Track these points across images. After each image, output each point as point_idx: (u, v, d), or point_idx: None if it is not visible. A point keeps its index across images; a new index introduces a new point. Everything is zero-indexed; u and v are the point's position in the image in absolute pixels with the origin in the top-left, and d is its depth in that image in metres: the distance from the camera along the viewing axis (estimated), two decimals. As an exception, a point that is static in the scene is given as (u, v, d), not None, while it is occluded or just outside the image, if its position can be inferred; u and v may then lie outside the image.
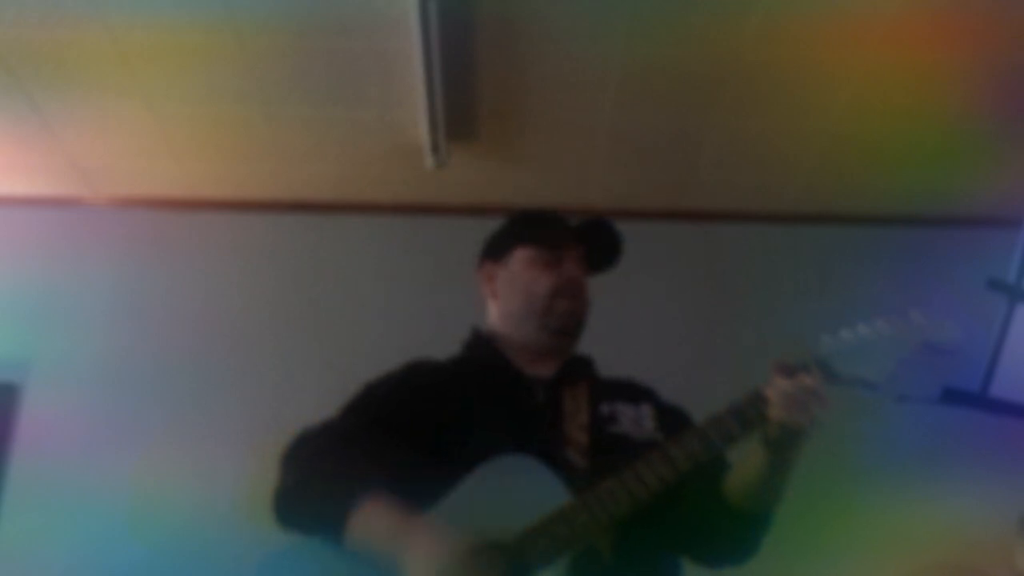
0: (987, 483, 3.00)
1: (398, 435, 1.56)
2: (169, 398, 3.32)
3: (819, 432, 1.41)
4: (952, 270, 3.06)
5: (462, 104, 3.11)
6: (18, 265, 3.51)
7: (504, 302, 1.77)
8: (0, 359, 3.39)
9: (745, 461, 1.51)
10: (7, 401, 3.34)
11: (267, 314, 3.48)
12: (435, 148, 3.22)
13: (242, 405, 3.25)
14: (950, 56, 2.84)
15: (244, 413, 3.23)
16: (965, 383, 2.00)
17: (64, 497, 3.12)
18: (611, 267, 1.83)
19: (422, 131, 3.16)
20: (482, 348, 1.76)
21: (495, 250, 1.83)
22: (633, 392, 1.72)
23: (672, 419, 1.67)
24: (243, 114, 3.19)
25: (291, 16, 2.77)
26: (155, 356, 3.41)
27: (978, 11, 2.69)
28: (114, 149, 3.39)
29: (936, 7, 2.68)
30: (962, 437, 2.97)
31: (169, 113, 3.18)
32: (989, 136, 3.17)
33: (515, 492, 1.43)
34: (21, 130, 3.24)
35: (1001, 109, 3.04)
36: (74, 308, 3.48)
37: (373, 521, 1.42)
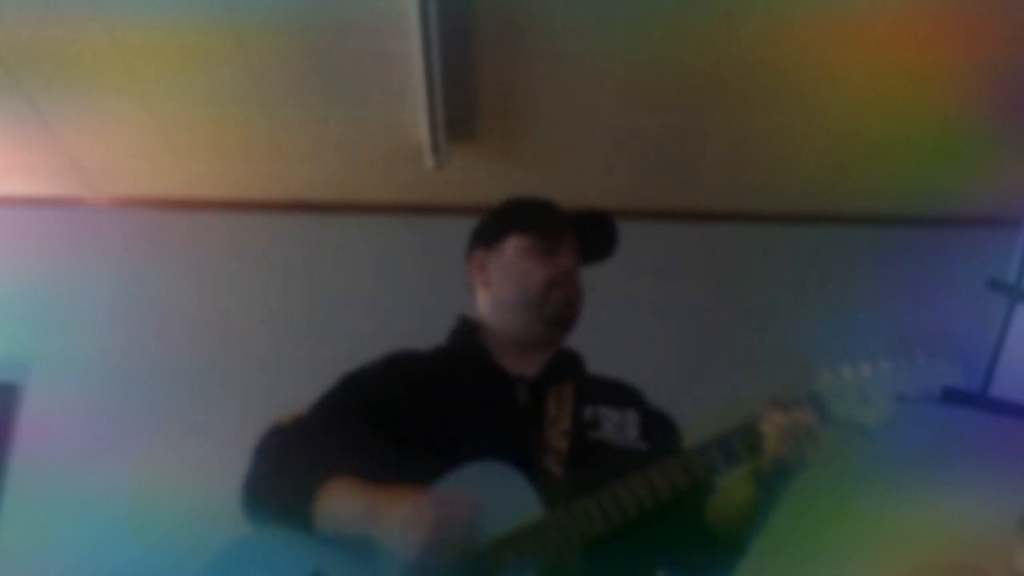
0: (987, 483, 2.99)
1: (372, 427, 1.53)
2: (169, 398, 3.32)
3: (806, 470, 1.39)
4: (952, 270, 3.06)
5: (462, 104, 3.11)
6: (18, 265, 3.51)
7: (496, 290, 1.72)
8: (0, 359, 3.39)
9: (732, 489, 1.48)
10: (7, 401, 3.34)
11: (267, 314, 3.48)
12: (435, 148, 3.22)
13: (242, 405, 3.23)
14: (950, 56, 2.84)
15: (244, 413, 3.20)
16: (965, 383, 2.00)
17: (64, 497, 3.12)
18: (605, 259, 1.80)
19: (422, 131, 3.16)
20: (466, 338, 1.73)
21: (487, 237, 1.77)
22: (620, 396, 1.69)
23: (657, 426, 1.65)
24: (243, 114, 3.19)
25: (291, 16, 2.77)
26: (155, 356, 3.41)
27: (978, 11, 2.68)
28: (114, 149, 3.39)
29: (936, 7, 2.68)
30: (962, 437, 2.96)
31: (169, 113, 3.18)
32: (989, 136, 3.16)
33: (489, 501, 1.37)
34: (21, 130, 3.24)
35: (1001, 109, 3.04)
36: (74, 308, 3.48)
37: (341, 497, 1.39)
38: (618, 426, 1.61)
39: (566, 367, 1.70)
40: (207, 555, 1.48)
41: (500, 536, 1.37)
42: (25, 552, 3.09)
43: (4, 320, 3.43)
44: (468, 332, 1.74)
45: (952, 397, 1.97)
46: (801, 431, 1.37)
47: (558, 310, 1.68)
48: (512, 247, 1.72)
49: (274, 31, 2.83)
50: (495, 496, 1.40)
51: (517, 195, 1.84)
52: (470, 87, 3.07)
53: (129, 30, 2.81)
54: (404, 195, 3.62)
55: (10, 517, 3.19)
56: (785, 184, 3.54)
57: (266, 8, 2.74)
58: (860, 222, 3.67)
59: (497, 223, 1.78)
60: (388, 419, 1.55)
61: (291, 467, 1.48)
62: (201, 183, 3.57)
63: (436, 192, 3.58)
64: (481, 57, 2.95)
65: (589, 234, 1.77)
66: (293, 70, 2.99)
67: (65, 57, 2.91)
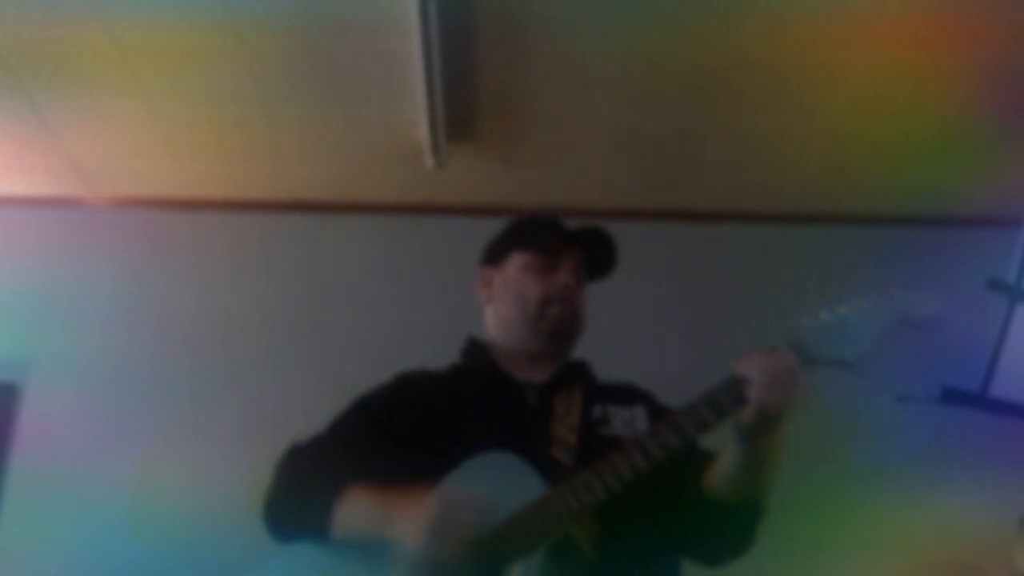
0: (987, 483, 2.99)
1: (385, 440, 1.59)
2: (168, 398, 3.32)
3: (796, 417, 1.40)
4: (952, 270, 3.04)
5: (462, 104, 3.11)
6: (18, 265, 3.51)
7: (498, 306, 1.78)
8: (0, 359, 3.39)
9: (728, 449, 1.50)
10: (7, 401, 3.34)
11: (267, 314, 3.48)
12: (435, 148, 3.22)
13: (241, 405, 3.25)
14: (950, 56, 2.84)
15: (243, 413, 3.23)
16: (965, 383, 1.99)
17: (64, 497, 3.12)
18: (607, 274, 1.83)
19: (422, 131, 3.16)
20: (476, 356, 1.77)
21: (493, 255, 1.84)
22: (628, 395, 1.72)
23: None
24: (243, 114, 3.19)
25: (291, 16, 2.77)
26: (155, 356, 3.41)
27: (978, 11, 2.68)
28: (114, 149, 3.39)
29: (936, 7, 2.68)
30: (962, 437, 2.96)
31: (169, 113, 3.18)
32: (989, 136, 3.16)
33: (496, 489, 1.43)
34: (21, 130, 3.24)
35: (1001, 109, 3.04)
36: (73, 308, 3.47)
37: (356, 504, 1.45)
38: (627, 422, 1.63)
39: (574, 375, 1.74)
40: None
41: (506, 520, 1.42)
42: (25, 552, 3.09)
43: (4, 320, 3.43)
44: (478, 349, 1.78)
45: (952, 397, 1.97)
46: (783, 375, 1.38)
47: (553, 326, 1.72)
48: (514, 264, 1.78)
49: (274, 31, 2.83)
50: (503, 484, 1.44)
51: (524, 204, 1.87)
52: (470, 87, 3.07)
53: (129, 30, 2.81)
54: (404, 195, 3.62)
55: (10, 517, 3.19)
56: (785, 184, 3.54)
57: (266, 8, 2.74)
58: (860, 222, 3.67)
59: (502, 241, 1.84)
60: (400, 431, 1.60)
61: (309, 483, 1.55)
62: (201, 183, 3.57)
63: (436, 192, 3.58)
64: (481, 57, 2.95)
65: (590, 250, 1.80)
66: (293, 70, 2.99)
67: (65, 57, 2.91)
